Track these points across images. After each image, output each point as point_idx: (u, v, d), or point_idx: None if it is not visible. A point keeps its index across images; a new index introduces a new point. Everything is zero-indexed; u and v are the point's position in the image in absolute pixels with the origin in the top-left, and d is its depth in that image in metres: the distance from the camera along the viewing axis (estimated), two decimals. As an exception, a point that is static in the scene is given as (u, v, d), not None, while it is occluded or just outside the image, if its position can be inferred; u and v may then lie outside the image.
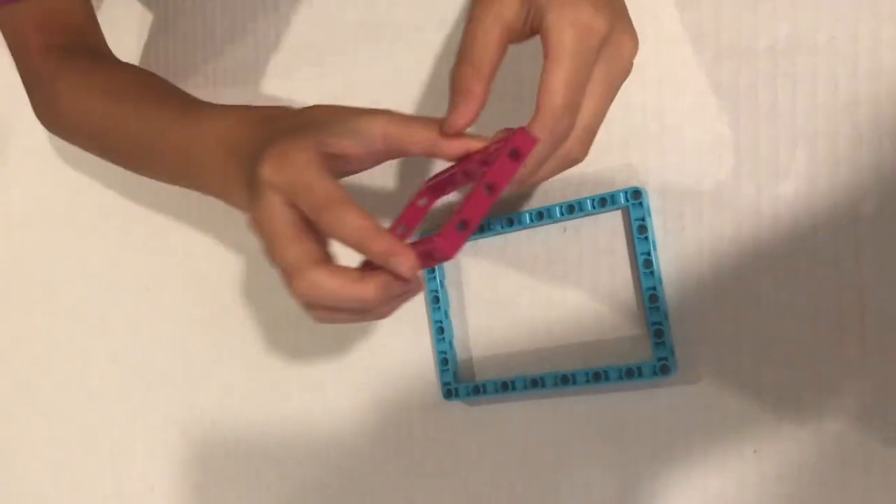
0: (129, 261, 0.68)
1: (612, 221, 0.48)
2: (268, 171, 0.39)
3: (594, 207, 0.47)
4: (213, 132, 0.46)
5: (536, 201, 0.51)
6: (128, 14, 0.69)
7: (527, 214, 0.49)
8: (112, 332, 0.69)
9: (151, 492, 0.66)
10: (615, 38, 0.38)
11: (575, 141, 0.39)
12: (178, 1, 0.66)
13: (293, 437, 0.60)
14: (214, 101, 0.62)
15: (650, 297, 0.46)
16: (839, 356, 0.42)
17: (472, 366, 0.53)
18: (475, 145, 0.38)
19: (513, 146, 0.36)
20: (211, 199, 0.48)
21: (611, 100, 0.40)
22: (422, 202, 0.43)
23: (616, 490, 0.48)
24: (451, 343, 0.53)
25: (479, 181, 0.36)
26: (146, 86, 0.55)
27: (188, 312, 0.65)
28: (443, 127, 0.38)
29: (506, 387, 0.50)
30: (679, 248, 0.46)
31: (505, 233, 0.51)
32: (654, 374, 0.46)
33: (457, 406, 0.53)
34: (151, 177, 0.54)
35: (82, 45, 0.59)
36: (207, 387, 0.64)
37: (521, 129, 0.37)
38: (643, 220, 0.46)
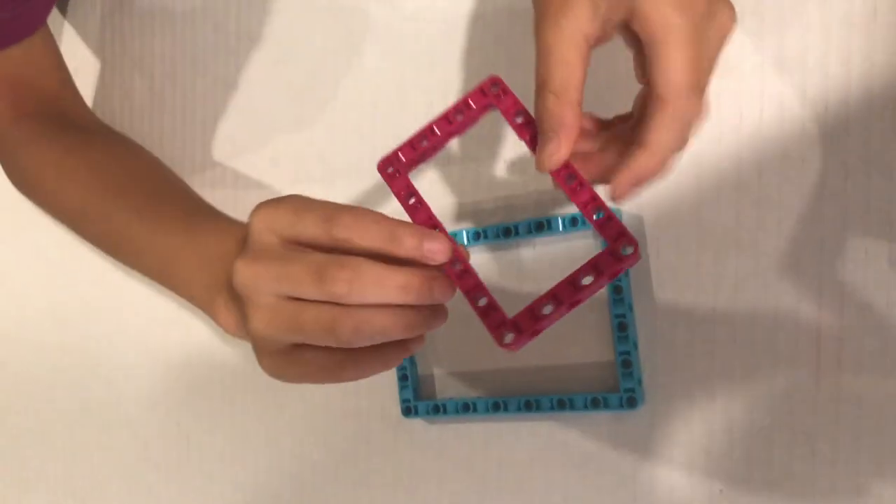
0: (87, 247, 0.66)
1: (583, 242, 0.46)
2: (260, 216, 0.35)
3: (565, 227, 0.45)
4: (203, 252, 0.44)
5: (504, 216, 0.48)
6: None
7: (491, 230, 0.47)
8: (67, 322, 0.67)
9: (101, 491, 0.64)
10: (714, 7, 0.33)
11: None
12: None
13: (250, 447, 0.57)
14: (172, 92, 0.58)
15: (619, 325, 0.44)
16: (814, 398, 0.40)
17: (433, 383, 0.51)
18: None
19: (616, 265, 0.32)
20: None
21: (711, 74, 0.35)
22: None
23: (577, 521, 0.46)
24: (411, 359, 0.50)
25: (566, 289, 0.33)
26: (140, 177, 0.52)
27: (151, 306, 0.62)
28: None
29: (467, 408, 0.48)
30: (653, 274, 0.44)
31: (471, 247, 0.48)
32: (620, 405, 0.43)
33: (416, 423, 0.51)
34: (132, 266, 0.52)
35: (56, 114, 0.56)
36: (167, 387, 0.61)
37: (634, 246, 0.32)
38: (615, 242, 0.44)
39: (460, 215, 0.49)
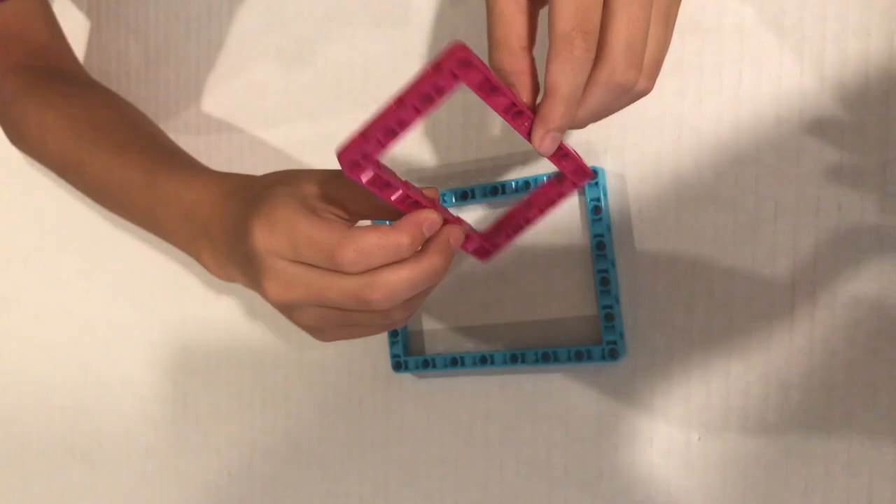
0: (81, 209, 0.67)
1: (569, 200, 0.47)
2: (261, 240, 0.37)
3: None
4: (178, 206, 0.45)
5: (493, 175, 0.49)
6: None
7: (480, 189, 0.48)
8: (66, 283, 0.68)
9: (101, 448, 0.66)
10: None
11: (642, 75, 0.35)
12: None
13: (245, 403, 0.59)
14: (166, 57, 0.59)
15: (601, 280, 0.45)
16: (789, 348, 0.42)
17: (423, 339, 0.52)
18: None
19: (564, 186, 0.38)
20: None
21: (670, 29, 0.35)
22: None
23: (562, 468, 0.48)
24: (401, 315, 0.52)
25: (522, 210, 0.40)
26: (111, 128, 0.53)
27: (147, 267, 0.63)
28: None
29: (455, 362, 0.49)
30: (634, 231, 0.45)
31: (459, 206, 0.50)
32: (603, 357, 0.45)
33: (406, 378, 0.52)
34: (120, 216, 0.54)
35: (47, 66, 0.57)
36: (164, 346, 0.63)
37: (586, 171, 0.38)
38: (599, 200, 0.45)
39: (449, 176, 0.51)
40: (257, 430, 0.58)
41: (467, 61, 0.31)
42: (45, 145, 0.54)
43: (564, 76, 0.33)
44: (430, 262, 0.37)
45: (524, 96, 0.34)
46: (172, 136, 0.60)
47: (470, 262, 0.50)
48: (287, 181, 0.39)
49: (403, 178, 0.36)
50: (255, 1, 0.57)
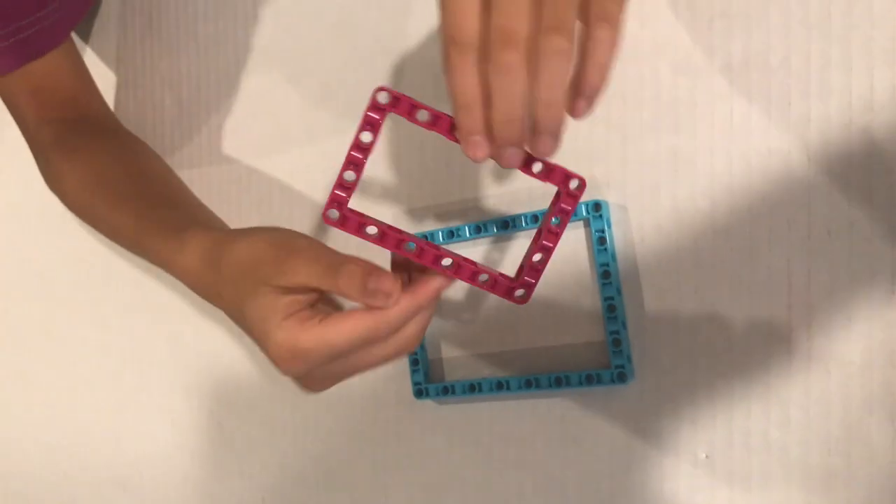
0: (123, 250, 0.70)
1: (574, 232, 0.50)
2: (290, 370, 0.40)
3: (557, 219, 0.49)
4: (192, 263, 0.48)
5: (503, 210, 0.52)
6: (111, 16, 0.70)
7: (493, 223, 0.51)
8: (106, 319, 0.71)
9: (141, 476, 0.69)
10: None
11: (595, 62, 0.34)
12: (161, 6, 0.67)
13: (276, 431, 0.62)
14: (198, 106, 0.62)
15: (608, 307, 0.48)
16: (788, 366, 0.44)
17: (442, 367, 0.55)
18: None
19: (570, 200, 0.40)
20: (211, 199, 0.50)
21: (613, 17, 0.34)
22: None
23: (575, 488, 0.50)
24: (421, 345, 0.54)
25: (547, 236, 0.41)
26: (129, 182, 0.56)
27: (184, 303, 0.67)
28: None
29: (473, 388, 0.52)
30: (638, 259, 0.48)
31: (473, 240, 0.53)
32: (612, 381, 0.47)
33: (427, 405, 0.55)
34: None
35: (79, 117, 0.61)
36: (199, 378, 0.66)
37: (579, 179, 0.39)
38: (603, 231, 0.48)
39: (464, 211, 0.54)
40: (288, 457, 0.61)
41: (394, 98, 0.37)
42: (76, 196, 0.58)
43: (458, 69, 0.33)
44: (422, 323, 0.41)
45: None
46: (205, 177, 0.64)
47: (483, 293, 0.53)
48: (264, 290, 0.40)
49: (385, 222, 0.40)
50: (280, 51, 0.61)
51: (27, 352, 0.77)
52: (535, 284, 0.41)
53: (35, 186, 0.63)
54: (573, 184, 0.39)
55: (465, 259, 0.40)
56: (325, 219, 0.38)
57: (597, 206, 0.47)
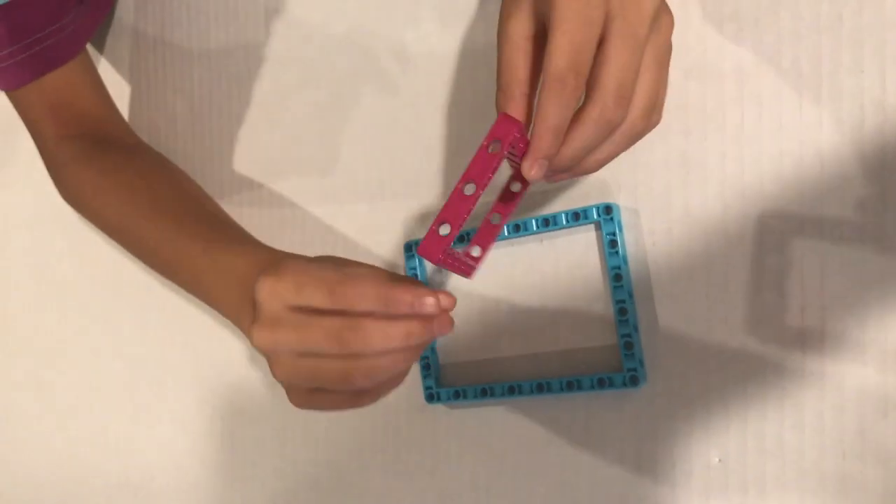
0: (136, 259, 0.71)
1: (585, 235, 0.50)
2: (267, 285, 0.40)
3: (568, 222, 0.49)
4: (230, 276, 0.48)
5: (515, 214, 0.52)
6: (124, 26, 0.71)
7: (505, 227, 0.51)
8: (120, 327, 0.72)
9: (153, 482, 0.69)
10: (658, 16, 0.38)
11: (635, 115, 0.38)
12: (173, 14, 0.68)
13: (288, 437, 0.62)
14: (210, 113, 0.63)
15: (620, 311, 0.48)
16: (801, 369, 0.44)
17: (454, 371, 0.55)
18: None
19: (491, 136, 0.37)
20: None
21: (665, 72, 0.39)
22: (495, 219, 0.43)
23: (587, 492, 0.50)
24: (433, 349, 0.54)
25: (460, 179, 0.37)
26: (169, 198, 0.57)
27: (197, 311, 0.67)
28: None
29: (485, 392, 0.52)
30: (649, 263, 0.48)
31: (512, 238, 0.53)
32: (624, 384, 0.47)
33: (439, 409, 0.55)
34: (168, 278, 0.56)
35: (99, 133, 0.61)
36: (212, 385, 0.66)
37: (501, 115, 0.38)
38: (614, 234, 0.48)
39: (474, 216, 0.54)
40: (300, 463, 0.61)
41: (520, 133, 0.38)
42: (102, 210, 0.58)
43: (553, 109, 0.36)
44: (408, 329, 0.38)
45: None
46: (216, 186, 0.64)
47: (495, 296, 0.53)
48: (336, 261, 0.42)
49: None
50: (291, 59, 0.62)
51: (42, 359, 0.77)
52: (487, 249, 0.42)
53: (49, 197, 0.63)
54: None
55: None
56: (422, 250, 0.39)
57: (608, 208, 0.48)
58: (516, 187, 0.42)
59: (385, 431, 0.57)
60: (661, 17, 0.38)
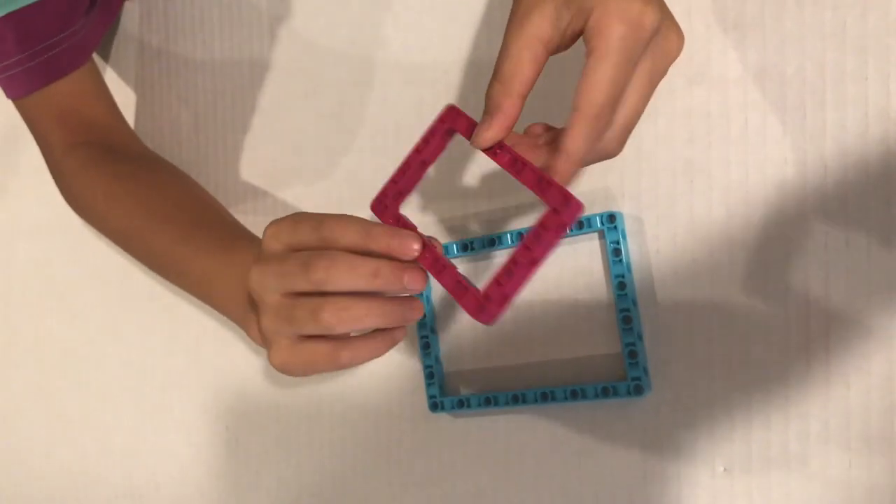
0: (142, 267, 0.71)
1: (589, 244, 0.49)
2: (270, 231, 0.41)
3: (572, 230, 0.49)
4: (237, 275, 0.48)
5: (517, 223, 0.52)
6: (129, 35, 0.71)
7: (508, 235, 0.51)
8: (125, 335, 0.72)
9: (157, 491, 0.69)
10: (663, 32, 0.37)
11: (611, 137, 0.38)
12: (178, 24, 0.68)
13: (292, 446, 0.62)
14: (214, 122, 0.63)
15: (624, 319, 0.47)
16: (806, 379, 0.44)
17: (458, 380, 0.55)
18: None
19: (560, 220, 0.36)
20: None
21: (650, 95, 0.38)
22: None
23: (592, 500, 0.50)
24: (437, 358, 0.54)
25: (523, 253, 0.36)
26: (166, 205, 0.57)
27: (202, 319, 0.67)
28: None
29: (489, 401, 0.52)
30: (654, 271, 0.48)
31: (487, 251, 0.52)
32: (628, 393, 0.47)
33: (443, 418, 0.55)
34: (174, 284, 0.57)
35: (106, 141, 0.61)
36: (216, 393, 0.66)
37: (575, 203, 0.36)
38: (618, 243, 0.47)
39: (477, 223, 0.54)
40: (304, 471, 0.61)
41: (459, 114, 0.40)
42: (111, 217, 0.58)
43: (584, 143, 0.36)
44: (377, 266, 0.38)
45: (491, 132, 0.38)
46: (220, 194, 0.64)
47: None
48: None
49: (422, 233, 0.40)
50: (295, 68, 0.62)
51: (46, 366, 0.77)
52: (499, 306, 0.37)
53: (55, 205, 0.64)
54: (570, 204, 0.36)
55: (451, 266, 0.40)
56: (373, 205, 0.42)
57: (611, 217, 0.47)
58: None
59: (389, 440, 0.57)
60: (665, 32, 0.37)
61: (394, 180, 0.42)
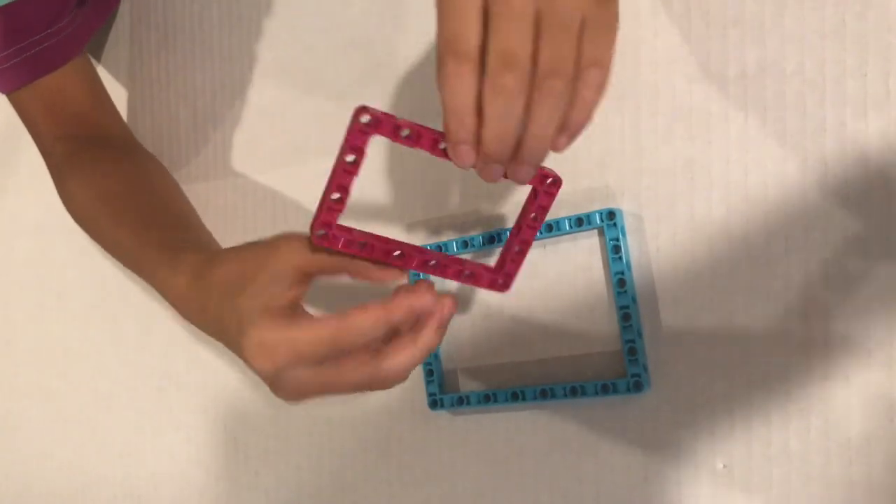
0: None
1: (589, 241, 0.50)
2: (266, 367, 0.40)
3: (571, 227, 0.49)
4: (173, 288, 0.48)
5: (489, 225, 0.52)
6: (123, 32, 0.71)
7: (507, 231, 0.51)
8: (124, 336, 0.72)
9: (157, 491, 0.69)
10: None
11: (541, 77, 0.33)
12: (177, 22, 0.68)
13: (291, 445, 0.62)
14: (212, 120, 0.63)
15: (624, 316, 0.47)
16: (806, 375, 0.44)
17: (457, 377, 0.55)
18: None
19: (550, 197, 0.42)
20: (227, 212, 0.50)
21: (568, 35, 0.33)
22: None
23: (592, 498, 0.50)
24: (436, 355, 0.54)
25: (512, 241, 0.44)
26: (135, 203, 0.57)
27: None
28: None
29: (488, 399, 0.52)
30: (653, 268, 0.48)
31: (486, 249, 0.53)
32: (628, 390, 0.47)
33: (442, 416, 0.55)
34: None
35: (91, 133, 0.61)
36: (215, 393, 0.66)
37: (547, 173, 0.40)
38: (617, 240, 0.47)
39: (478, 221, 0.54)
40: (303, 470, 0.61)
41: (375, 120, 0.37)
42: (82, 212, 0.59)
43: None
44: (427, 340, 0.40)
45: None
46: (220, 190, 0.64)
47: (498, 302, 0.53)
48: (248, 291, 0.41)
49: (378, 234, 0.41)
50: (294, 65, 0.62)
51: (45, 367, 0.77)
52: (515, 274, 0.45)
53: (53, 204, 0.64)
54: (549, 181, 0.41)
55: (452, 258, 0.42)
56: (314, 238, 0.40)
57: (611, 214, 0.47)
58: (534, 215, 0.43)
59: (388, 438, 0.57)
60: None
61: (328, 207, 0.40)
